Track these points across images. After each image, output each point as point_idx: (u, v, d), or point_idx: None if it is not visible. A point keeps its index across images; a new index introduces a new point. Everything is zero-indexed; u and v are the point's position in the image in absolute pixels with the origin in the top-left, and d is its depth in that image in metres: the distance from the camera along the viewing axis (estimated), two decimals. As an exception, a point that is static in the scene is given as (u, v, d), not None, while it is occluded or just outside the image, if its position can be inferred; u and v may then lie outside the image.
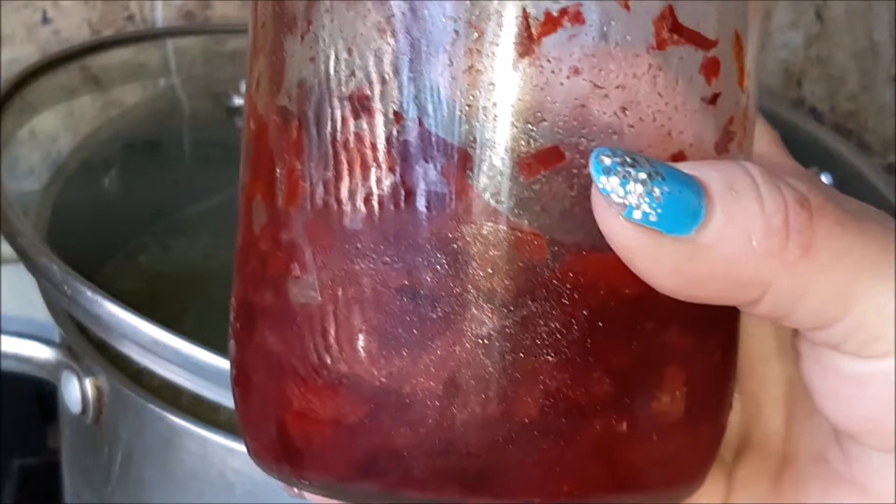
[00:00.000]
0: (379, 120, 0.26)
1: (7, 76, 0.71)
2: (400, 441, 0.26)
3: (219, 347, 0.48)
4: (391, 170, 0.26)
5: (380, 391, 0.26)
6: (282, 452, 0.28)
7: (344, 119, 0.26)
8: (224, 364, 0.48)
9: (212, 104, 0.72)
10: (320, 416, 0.27)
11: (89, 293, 0.51)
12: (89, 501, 0.59)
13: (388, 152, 0.26)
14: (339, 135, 0.26)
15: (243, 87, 0.69)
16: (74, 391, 0.55)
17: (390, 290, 0.26)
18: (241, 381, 0.29)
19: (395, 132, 0.26)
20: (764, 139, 0.30)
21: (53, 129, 0.70)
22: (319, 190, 0.26)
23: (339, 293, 0.26)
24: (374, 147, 0.26)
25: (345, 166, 0.26)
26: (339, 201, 0.26)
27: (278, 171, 0.27)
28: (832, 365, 0.27)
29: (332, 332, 0.26)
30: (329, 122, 0.26)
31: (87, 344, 0.56)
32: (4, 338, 0.60)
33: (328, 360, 0.27)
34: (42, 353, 0.59)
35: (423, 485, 0.26)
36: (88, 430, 0.56)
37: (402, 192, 0.26)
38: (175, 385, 0.51)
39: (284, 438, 0.28)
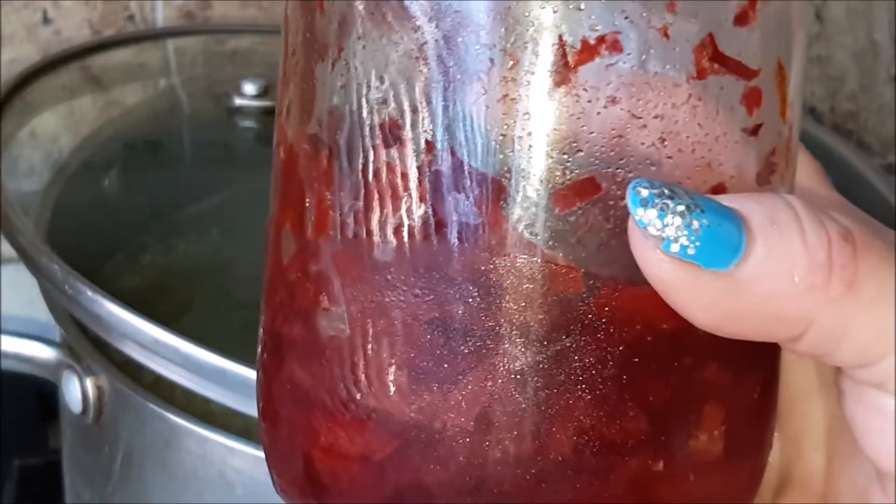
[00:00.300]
0: (410, 149, 0.25)
1: (7, 76, 0.71)
2: (429, 478, 0.26)
3: (219, 347, 0.48)
4: (423, 200, 0.25)
5: (409, 426, 0.26)
6: (308, 488, 0.27)
7: (375, 148, 0.26)
8: (224, 364, 0.48)
9: (212, 104, 0.72)
10: (348, 451, 0.26)
11: (90, 293, 0.51)
12: (90, 501, 0.59)
13: (420, 182, 0.25)
14: (370, 164, 0.26)
15: (243, 87, 0.69)
16: (75, 391, 0.55)
17: (421, 324, 0.25)
18: (268, 413, 0.29)
19: (427, 162, 0.25)
20: (806, 171, 0.29)
21: (54, 129, 0.70)
22: (349, 220, 0.26)
23: (369, 326, 0.26)
24: (405, 177, 0.25)
25: (375, 196, 0.26)
26: (369, 232, 0.26)
27: (308, 200, 0.27)
28: (876, 404, 0.26)
29: (361, 365, 0.26)
30: (360, 152, 0.26)
31: (87, 343, 0.56)
32: (5, 337, 0.60)
33: (356, 394, 0.26)
34: (43, 352, 0.59)
35: None
36: (89, 429, 0.56)
37: (434, 224, 0.25)
38: (175, 384, 0.51)
39: (311, 473, 0.27)
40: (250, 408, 0.48)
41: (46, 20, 0.78)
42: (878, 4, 0.87)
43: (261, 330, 0.29)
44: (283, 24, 0.28)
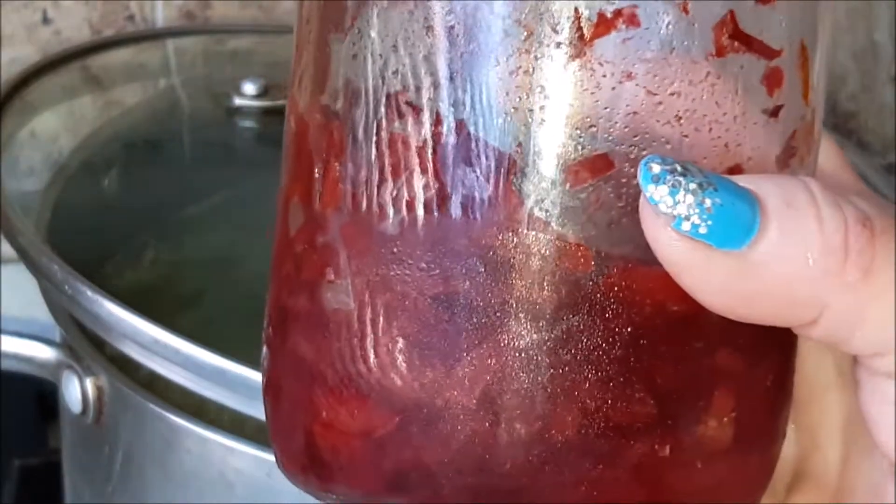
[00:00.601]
0: (421, 121, 0.25)
1: (7, 76, 0.71)
2: (430, 456, 0.25)
3: (220, 347, 0.48)
4: (432, 173, 0.25)
5: (411, 403, 0.25)
6: (309, 463, 0.27)
7: (386, 120, 0.25)
8: (224, 364, 0.48)
9: (212, 104, 0.72)
10: (349, 427, 0.26)
11: (90, 293, 0.51)
12: (90, 501, 0.59)
13: (430, 155, 0.25)
14: (380, 136, 0.25)
15: (243, 87, 0.69)
16: (75, 391, 0.55)
17: (426, 298, 0.25)
18: (271, 388, 0.28)
19: (437, 134, 0.25)
20: (830, 157, 0.29)
21: (54, 129, 0.70)
22: (358, 192, 0.26)
23: (373, 299, 0.25)
24: (415, 149, 0.25)
25: (384, 168, 0.25)
26: (376, 204, 0.25)
27: (317, 171, 0.26)
28: (890, 395, 0.26)
29: (364, 339, 0.26)
30: (370, 123, 0.25)
31: (87, 344, 0.56)
32: (4, 338, 0.60)
33: (358, 369, 0.26)
34: (42, 352, 0.59)
35: (453, 502, 0.25)
36: (89, 429, 0.56)
37: (443, 197, 0.25)
38: (176, 385, 0.50)
39: (312, 449, 0.27)
40: (250, 408, 0.48)
41: (46, 20, 0.78)
42: (879, 4, 0.87)
43: (267, 304, 0.28)
44: None
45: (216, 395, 0.49)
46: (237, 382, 0.48)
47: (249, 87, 0.69)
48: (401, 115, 0.25)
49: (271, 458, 0.50)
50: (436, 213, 0.25)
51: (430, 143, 0.25)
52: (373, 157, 0.25)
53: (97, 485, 0.58)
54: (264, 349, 0.29)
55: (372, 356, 0.26)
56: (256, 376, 0.46)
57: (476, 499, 0.25)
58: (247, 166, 0.68)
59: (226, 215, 0.65)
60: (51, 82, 0.70)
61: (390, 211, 0.25)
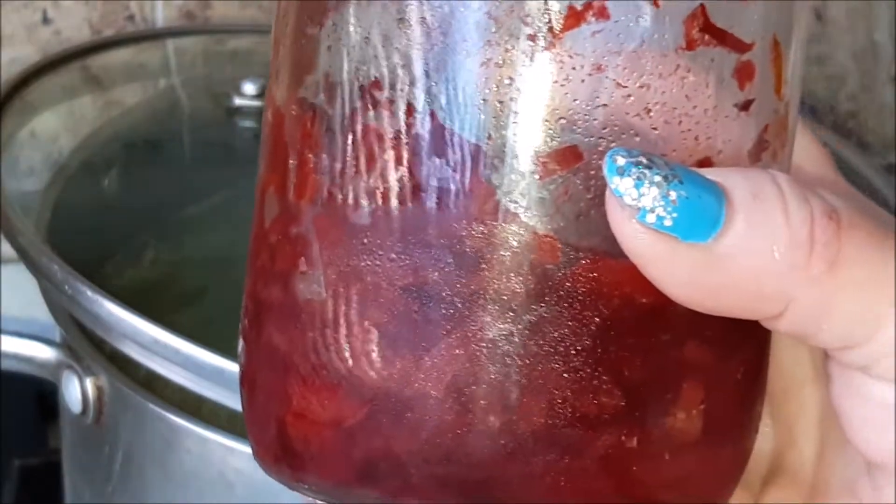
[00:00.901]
0: (392, 112, 0.25)
1: (7, 76, 0.71)
2: (399, 446, 0.25)
3: (220, 347, 0.48)
4: (402, 164, 0.25)
5: (380, 393, 0.25)
6: (281, 454, 0.27)
7: (359, 111, 0.25)
8: (224, 364, 0.48)
9: (212, 104, 0.72)
10: (319, 416, 0.26)
11: (90, 293, 0.51)
12: (90, 501, 0.59)
13: (400, 146, 0.25)
14: (353, 127, 0.25)
15: (243, 87, 0.69)
16: (75, 391, 0.55)
17: (395, 289, 0.25)
18: (247, 379, 0.29)
19: (408, 126, 0.25)
20: (812, 156, 0.29)
21: (54, 129, 0.70)
22: (329, 183, 0.26)
23: (344, 290, 0.26)
24: (385, 140, 0.25)
25: (356, 159, 0.25)
26: (348, 195, 0.25)
27: (291, 162, 0.27)
28: (861, 390, 0.26)
29: (334, 329, 0.26)
30: (345, 114, 0.26)
31: (87, 344, 0.56)
32: (4, 338, 0.60)
33: (329, 359, 0.26)
34: (42, 352, 0.59)
35: (421, 493, 0.26)
36: (89, 429, 0.56)
37: (412, 188, 0.25)
38: (175, 385, 0.51)
39: (284, 439, 0.27)
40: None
41: (46, 20, 0.78)
42: (879, 4, 0.87)
43: (244, 295, 0.29)
44: None
45: (216, 395, 0.49)
46: (237, 382, 0.47)
47: (249, 87, 0.69)
48: (374, 107, 0.25)
49: (271, 458, 0.50)
50: (407, 204, 0.25)
51: (402, 134, 0.25)
52: (346, 148, 0.25)
53: (97, 485, 0.58)
54: (240, 341, 0.29)
55: (343, 346, 0.26)
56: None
57: (445, 489, 0.25)
58: (246, 166, 0.68)
59: (225, 215, 0.65)
60: (51, 82, 0.70)
61: (362, 201, 0.25)
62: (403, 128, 0.25)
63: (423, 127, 0.25)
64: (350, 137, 0.25)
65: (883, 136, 0.90)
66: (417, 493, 0.26)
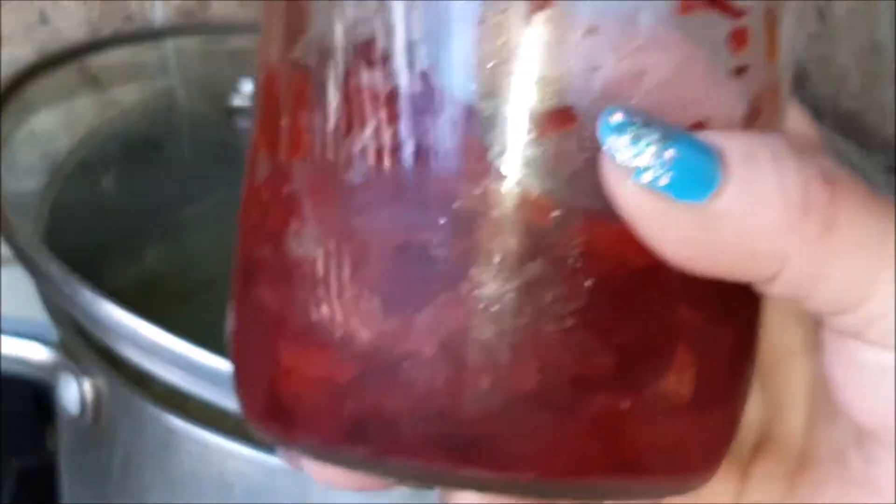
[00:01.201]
0: (385, 71, 0.25)
1: (5, 76, 0.70)
2: (390, 405, 0.25)
3: (217, 348, 0.48)
4: (395, 123, 0.25)
5: (371, 351, 0.25)
6: (271, 413, 0.27)
7: (352, 70, 0.25)
8: (222, 365, 0.47)
9: (211, 104, 0.71)
10: (310, 374, 0.26)
11: (88, 293, 0.51)
12: (87, 502, 0.59)
13: (393, 105, 0.25)
14: (346, 86, 0.25)
15: (242, 87, 0.69)
16: (72, 392, 0.55)
17: (388, 248, 0.25)
18: (236, 341, 0.28)
19: (401, 85, 0.25)
20: (798, 122, 0.29)
21: (52, 128, 0.70)
22: (322, 142, 0.26)
23: (336, 248, 0.26)
24: (378, 99, 0.25)
25: (348, 118, 0.25)
26: (341, 154, 0.25)
27: (283, 122, 0.27)
28: (854, 355, 0.26)
29: (327, 288, 0.26)
30: (337, 74, 0.25)
31: (85, 345, 0.56)
32: (2, 338, 0.60)
33: (321, 317, 0.26)
34: (40, 353, 0.59)
35: (411, 452, 0.26)
36: (86, 431, 0.56)
37: (406, 147, 0.25)
38: (173, 386, 0.50)
39: (274, 398, 0.27)
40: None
41: (45, 20, 0.78)
42: (881, 4, 0.87)
43: (234, 257, 0.29)
44: None
45: (215, 397, 0.49)
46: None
47: (248, 87, 0.69)
48: (367, 66, 0.25)
49: (271, 459, 0.50)
50: (400, 164, 0.25)
51: (395, 93, 0.25)
52: (338, 107, 0.25)
53: (95, 486, 0.58)
54: (230, 304, 0.29)
55: (335, 304, 0.26)
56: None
57: (435, 449, 0.25)
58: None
59: (225, 215, 0.65)
60: (49, 82, 0.70)
61: (355, 160, 0.25)
62: (397, 87, 0.25)
63: (417, 87, 0.25)
64: (343, 96, 0.25)
65: (885, 135, 0.90)
66: (407, 451, 0.26)
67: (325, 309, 0.26)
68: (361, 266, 0.25)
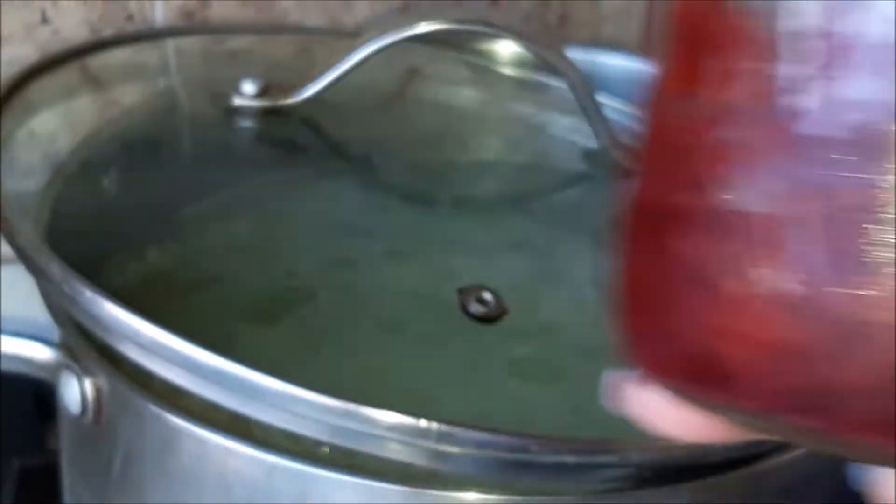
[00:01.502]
0: (870, 18, 0.23)
1: (6, 76, 0.70)
2: (842, 378, 0.24)
3: (220, 347, 0.48)
4: (880, 77, 0.22)
5: (828, 319, 0.23)
6: (691, 370, 0.26)
7: (829, 13, 0.23)
8: (224, 364, 0.47)
9: (212, 104, 0.71)
10: (751, 338, 0.24)
11: (89, 293, 0.51)
12: (89, 502, 0.59)
13: (879, 50, 0.22)
14: (813, 30, 0.23)
15: (243, 87, 0.69)
16: (73, 391, 0.55)
17: (846, 209, 0.23)
18: (634, 290, 0.27)
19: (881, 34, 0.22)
20: None
21: (53, 128, 0.69)
22: (777, 88, 0.24)
23: (788, 204, 0.24)
24: (858, 45, 0.23)
25: (817, 63, 0.23)
26: (805, 102, 0.23)
27: (719, 62, 0.25)
28: None
29: (778, 248, 0.24)
30: (796, 15, 0.23)
31: (86, 344, 0.56)
32: (3, 338, 0.60)
33: (768, 279, 0.24)
34: (41, 353, 0.59)
35: (859, 428, 0.24)
36: (88, 430, 0.56)
37: (876, 104, 0.23)
38: (175, 385, 0.50)
39: (698, 356, 0.25)
40: (250, 408, 0.48)
41: (45, 20, 0.78)
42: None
43: (628, 203, 0.27)
44: None
45: (216, 396, 0.49)
46: (237, 383, 0.47)
47: (249, 87, 0.69)
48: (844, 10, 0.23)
49: (271, 458, 0.50)
50: (874, 121, 0.23)
51: (886, 40, 0.22)
52: (805, 54, 0.23)
53: (96, 485, 0.58)
54: (613, 252, 0.27)
55: (786, 266, 0.24)
56: (256, 377, 0.46)
57: (878, 435, 0.24)
58: (246, 166, 0.68)
59: (225, 216, 0.65)
60: (49, 82, 0.70)
61: (819, 111, 0.23)
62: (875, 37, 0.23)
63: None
64: (801, 39, 0.23)
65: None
66: (853, 427, 0.24)
67: (774, 271, 0.24)
68: (816, 226, 0.24)
